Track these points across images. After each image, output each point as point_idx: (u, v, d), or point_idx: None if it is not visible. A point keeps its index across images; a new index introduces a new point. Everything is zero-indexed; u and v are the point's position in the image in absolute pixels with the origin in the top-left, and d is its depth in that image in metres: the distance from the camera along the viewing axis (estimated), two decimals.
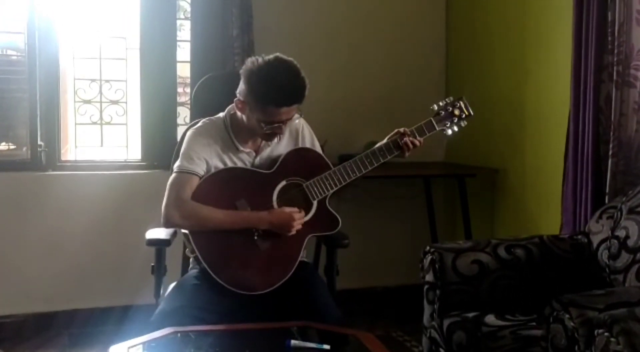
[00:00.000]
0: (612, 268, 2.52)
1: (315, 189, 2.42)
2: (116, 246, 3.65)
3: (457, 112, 2.56)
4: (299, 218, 2.36)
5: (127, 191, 3.68)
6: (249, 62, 2.32)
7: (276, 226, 2.35)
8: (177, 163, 2.38)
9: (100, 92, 3.84)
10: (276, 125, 2.33)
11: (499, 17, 3.88)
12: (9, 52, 3.78)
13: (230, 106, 2.46)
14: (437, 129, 2.54)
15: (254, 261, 2.35)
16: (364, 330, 2.19)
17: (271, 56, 2.31)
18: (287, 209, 2.36)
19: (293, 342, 1.95)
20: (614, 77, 2.81)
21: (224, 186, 2.37)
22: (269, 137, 2.41)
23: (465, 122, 2.59)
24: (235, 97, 2.37)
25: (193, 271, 2.46)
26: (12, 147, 3.78)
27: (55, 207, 3.62)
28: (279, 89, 2.26)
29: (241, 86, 2.34)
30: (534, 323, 2.32)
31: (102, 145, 3.88)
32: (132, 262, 3.34)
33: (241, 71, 2.34)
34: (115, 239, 3.66)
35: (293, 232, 2.35)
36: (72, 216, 3.63)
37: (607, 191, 2.85)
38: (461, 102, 2.58)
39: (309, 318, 2.18)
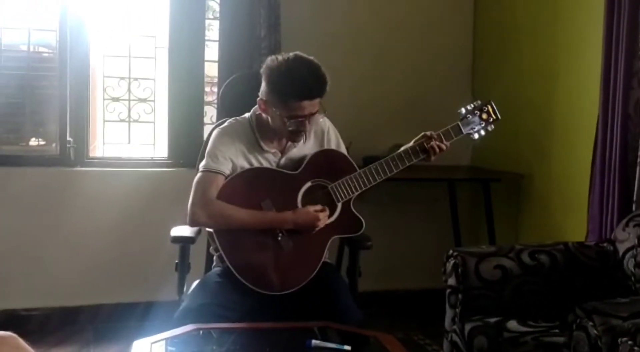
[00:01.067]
0: (638, 277, 2.49)
1: (340, 191, 2.42)
2: (141, 242, 3.69)
3: (484, 116, 2.55)
4: (323, 217, 2.37)
5: (153, 188, 3.71)
6: (269, 60, 2.35)
7: (301, 225, 2.36)
8: (203, 162, 2.39)
9: (129, 90, 3.88)
10: (300, 120, 2.32)
11: (527, 21, 3.85)
12: (41, 49, 3.85)
13: (256, 106, 2.48)
14: (464, 133, 2.53)
15: (277, 261, 2.36)
16: (385, 332, 2.18)
17: (291, 54, 2.34)
18: (312, 208, 2.37)
19: (314, 342, 1.96)
20: None
21: (250, 186, 2.39)
22: (294, 137, 2.41)
23: (493, 127, 2.57)
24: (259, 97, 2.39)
25: (217, 269, 2.47)
26: (42, 142, 3.84)
27: (83, 202, 3.67)
28: (299, 82, 2.28)
29: (262, 86, 2.36)
30: (557, 330, 2.31)
31: (129, 142, 3.93)
32: (156, 259, 3.37)
33: (261, 70, 2.36)
34: (140, 235, 3.69)
35: (318, 229, 2.36)
36: (98, 211, 3.67)
37: (634, 198, 2.83)
38: (489, 106, 2.56)
39: (330, 319, 2.18)
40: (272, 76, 2.32)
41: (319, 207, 2.38)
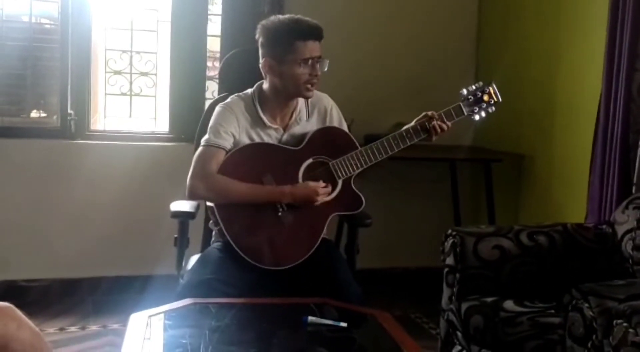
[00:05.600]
0: (636, 259, 2.49)
1: (341, 168, 2.43)
2: (141, 216, 3.70)
3: (486, 97, 2.53)
4: (323, 192, 2.37)
5: (154, 162, 3.72)
6: (261, 25, 2.42)
7: (299, 199, 2.36)
8: (205, 137, 2.40)
9: (131, 64, 3.87)
10: (311, 64, 2.35)
11: (532, 1, 3.82)
12: (43, 20, 3.82)
13: (258, 83, 2.47)
14: (465, 114, 2.52)
15: (277, 236, 2.37)
16: (382, 310, 2.19)
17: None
18: (312, 184, 2.37)
19: (310, 318, 1.97)
20: None
21: (251, 161, 2.39)
22: (308, 89, 2.39)
23: (494, 108, 2.55)
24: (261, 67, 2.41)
25: (217, 244, 2.47)
26: (43, 115, 3.83)
27: (83, 175, 3.67)
28: (299, 23, 2.37)
29: (263, 49, 2.40)
30: (553, 311, 2.32)
31: (130, 116, 3.92)
32: (156, 233, 3.37)
33: (257, 36, 2.41)
34: (140, 209, 3.70)
35: (317, 203, 2.37)
36: (99, 184, 3.68)
37: (634, 181, 2.82)
38: (491, 88, 2.54)
39: (329, 294, 2.19)
40: (272, 30, 2.38)
41: (319, 183, 2.39)
